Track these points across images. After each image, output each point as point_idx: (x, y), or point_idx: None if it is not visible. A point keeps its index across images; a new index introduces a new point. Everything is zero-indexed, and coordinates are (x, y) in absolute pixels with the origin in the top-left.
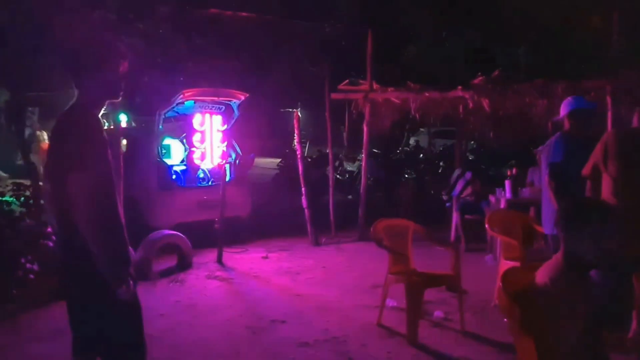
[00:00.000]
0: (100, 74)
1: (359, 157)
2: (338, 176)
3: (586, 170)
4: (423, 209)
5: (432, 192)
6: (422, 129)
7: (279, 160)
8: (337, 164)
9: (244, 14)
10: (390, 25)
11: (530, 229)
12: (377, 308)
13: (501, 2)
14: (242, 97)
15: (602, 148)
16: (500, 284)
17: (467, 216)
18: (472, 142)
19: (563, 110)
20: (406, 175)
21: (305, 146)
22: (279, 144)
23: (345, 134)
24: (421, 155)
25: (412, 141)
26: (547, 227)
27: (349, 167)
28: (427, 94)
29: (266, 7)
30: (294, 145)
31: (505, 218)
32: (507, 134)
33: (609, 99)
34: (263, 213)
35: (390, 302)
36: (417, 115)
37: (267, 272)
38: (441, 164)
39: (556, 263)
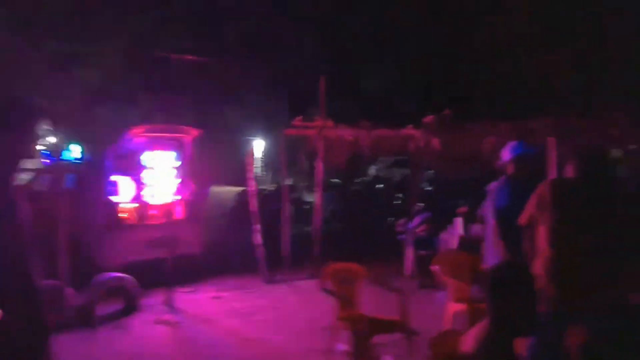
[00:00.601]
0: (12, 135)
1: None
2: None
3: (522, 219)
4: (380, 242)
5: (390, 223)
6: (381, 159)
7: (238, 189)
8: (296, 195)
9: (189, 57)
10: (347, 58)
11: (478, 269)
12: (326, 353)
13: (457, 37)
14: (195, 133)
15: (537, 199)
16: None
17: (420, 252)
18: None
19: (506, 155)
20: (365, 206)
21: (268, 176)
22: (240, 172)
23: (302, 164)
24: (380, 185)
25: (371, 171)
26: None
27: (309, 198)
28: (378, 132)
29: (227, 44)
30: (258, 174)
31: (453, 259)
32: (459, 169)
33: (552, 139)
34: (217, 249)
35: (340, 346)
36: (370, 152)
37: (217, 314)
38: (399, 195)
39: (483, 329)
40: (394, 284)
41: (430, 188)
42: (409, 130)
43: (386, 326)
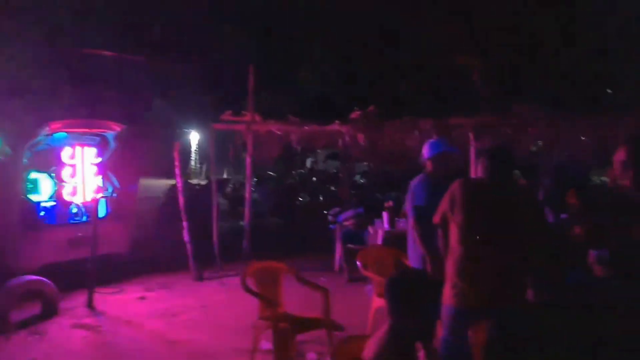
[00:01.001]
0: None
1: (253, 181)
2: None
3: (436, 218)
4: (313, 236)
5: (324, 216)
6: (319, 150)
7: (169, 182)
8: (231, 188)
9: (108, 53)
10: (275, 54)
11: (403, 265)
12: (251, 352)
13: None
14: (118, 128)
15: (449, 198)
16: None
17: (349, 245)
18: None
19: (426, 152)
20: (300, 199)
21: (202, 169)
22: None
23: (232, 159)
24: (314, 178)
25: (308, 163)
26: (413, 266)
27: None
28: (306, 127)
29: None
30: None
31: (378, 254)
32: (387, 164)
33: (471, 135)
34: (145, 247)
35: (265, 345)
36: (299, 147)
37: (142, 316)
38: (332, 188)
39: (382, 336)
40: (317, 280)
41: (362, 181)
42: (336, 126)
43: (309, 324)
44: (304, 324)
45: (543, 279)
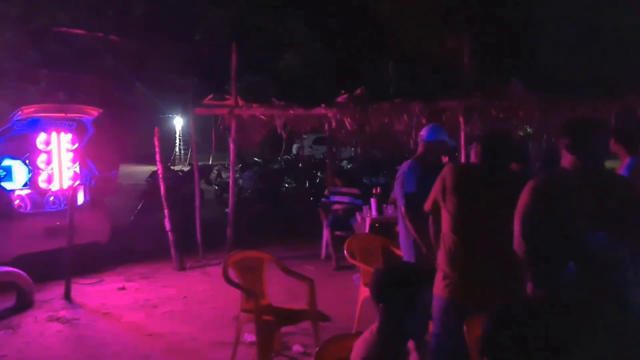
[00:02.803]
0: None
1: (237, 167)
2: (215, 187)
3: (427, 206)
4: (301, 222)
5: (310, 202)
6: (305, 135)
7: (152, 169)
8: (215, 174)
9: (79, 31)
10: (259, 37)
11: (391, 253)
12: (234, 345)
13: (371, 21)
14: (95, 113)
15: (440, 184)
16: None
17: (337, 232)
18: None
19: (426, 135)
20: (286, 185)
21: (187, 155)
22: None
23: (213, 144)
24: (300, 164)
25: (294, 149)
26: (405, 254)
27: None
28: (291, 111)
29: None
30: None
31: (365, 242)
32: (375, 148)
33: (461, 118)
34: (126, 235)
35: (248, 337)
36: (284, 133)
37: (121, 307)
38: (319, 174)
39: (371, 335)
40: (304, 269)
41: (349, 166)
42: (322, 109)
43: (294, 316)
44: (289, 316)
45: (541, 270)
